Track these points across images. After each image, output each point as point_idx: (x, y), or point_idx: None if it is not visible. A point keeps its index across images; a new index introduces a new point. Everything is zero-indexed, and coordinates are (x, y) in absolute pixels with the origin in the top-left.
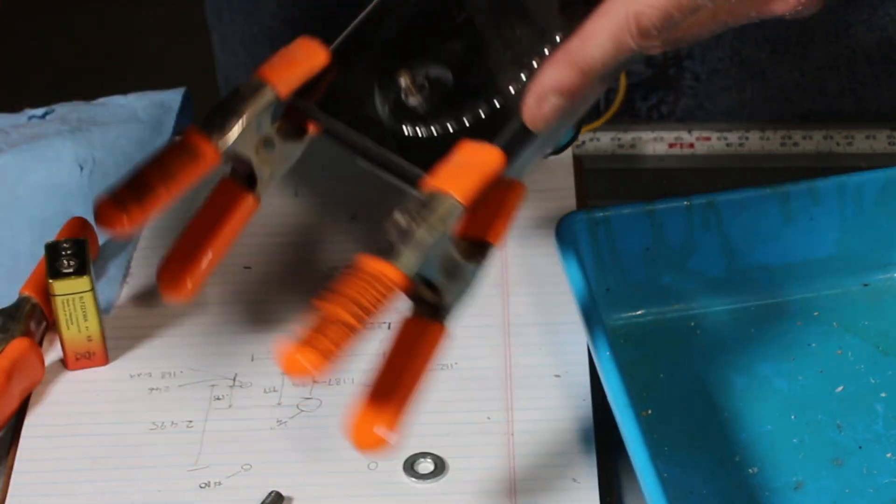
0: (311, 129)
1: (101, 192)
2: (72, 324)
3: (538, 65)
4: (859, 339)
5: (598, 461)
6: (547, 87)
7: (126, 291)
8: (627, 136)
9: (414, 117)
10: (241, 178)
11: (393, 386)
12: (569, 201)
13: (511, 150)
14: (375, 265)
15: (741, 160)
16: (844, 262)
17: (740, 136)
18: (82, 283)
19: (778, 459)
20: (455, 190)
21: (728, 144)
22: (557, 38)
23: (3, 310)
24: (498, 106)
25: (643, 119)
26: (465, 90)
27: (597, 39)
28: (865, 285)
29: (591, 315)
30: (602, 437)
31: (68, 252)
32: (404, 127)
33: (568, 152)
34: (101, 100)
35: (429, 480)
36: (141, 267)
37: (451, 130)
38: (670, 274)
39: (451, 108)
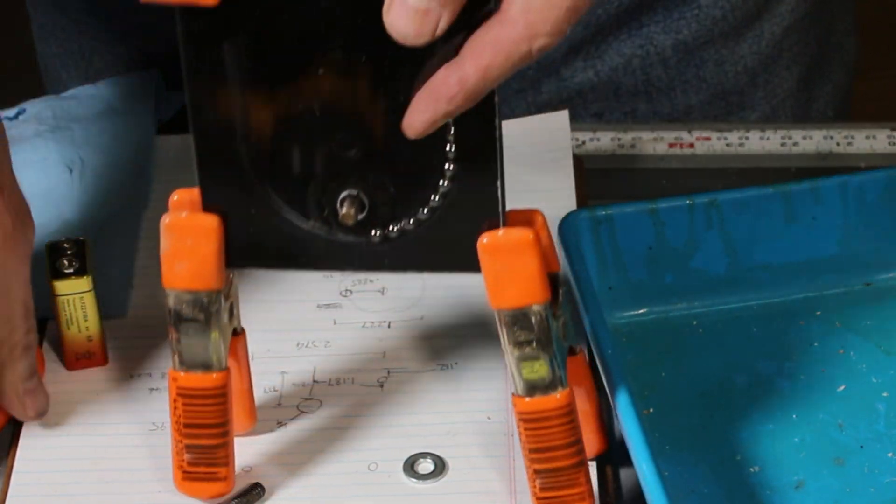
0: None
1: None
2: (72, 324)
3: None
4: (861, 339)
5: (597, 461)
6: (440, 112)
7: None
8: (627, 136)
9: (373, 224)
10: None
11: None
12: (569, 201)
13: (503, 206)
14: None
15: (741, 160)
16: (847, 261)
17: (740, 136)
18: (83, 283)
19: (779, 458)
20: (530, 298)
21: (728, 144)
22: None
23: None
24: (450, 173)
25: None
26: (401, 171)
27: (496, 74)
28: (868, 285)
29: (594, 314)
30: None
31: (69, 252)
32: (373, 233)
33: (568, 152)
34: (70, 92)
35: (429, 480)
36: (142, 267)
37: (425, 215)
38: (672, 273)
39: (405, 197)
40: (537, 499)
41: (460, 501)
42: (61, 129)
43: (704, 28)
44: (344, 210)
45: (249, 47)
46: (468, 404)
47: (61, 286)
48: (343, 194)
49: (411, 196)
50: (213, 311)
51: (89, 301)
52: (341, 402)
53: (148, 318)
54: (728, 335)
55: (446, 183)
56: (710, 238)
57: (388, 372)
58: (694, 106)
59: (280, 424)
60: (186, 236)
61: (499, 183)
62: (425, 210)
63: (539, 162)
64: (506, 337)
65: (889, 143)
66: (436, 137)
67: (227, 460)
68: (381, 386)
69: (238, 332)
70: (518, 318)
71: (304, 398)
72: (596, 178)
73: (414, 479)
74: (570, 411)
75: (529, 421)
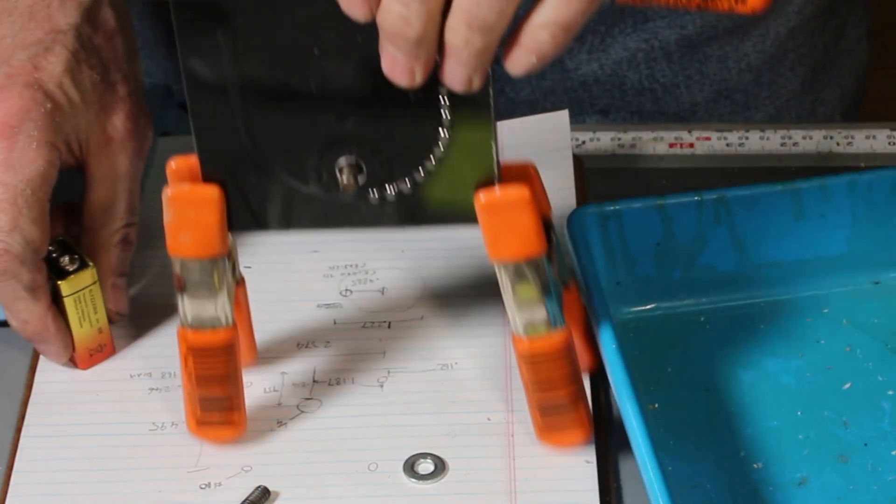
0: None
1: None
2: (84, 320)
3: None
4: (868, 337)
5: (598, 461)
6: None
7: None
8: (627, 136)
9: (371, 186)
10: None
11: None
12: (569, 201)
13: (499, 165)
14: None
15: (741, 160)
16: (855, 259)
17: (740, 136)
18: (87, 276)
19: (783, 455)
20: (528, 251)
21: (728, 144)
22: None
23: None
24: (445, 136)
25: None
26: (398, 137)
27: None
28: (876, 283)
29: (601, 309)
30: (603, 436)
31: (59, 253)
32: (371, 194)
33: (568, 152)
34: None
35: (429, 481)
36: (141, 267)
37: (422, 175)
38: (680, 269)
39: (402, 161)
40: (539, 427)
41: (460, 501)
42: None
43: (709, 24)
44: (344, 179)
45: (245, 19)
46: (468, 404)
47: (69, 285)
48: (341, 161)
49: (408, 159)
50: (218, 273)
51: (96, 293)
52: (341, 402)
53: (148, 318)
54: (735, 331)
55: (442, 145)
56: (718, 234)
57: (388, 372)
58: (699, 104)
59: (280, 424)
60: (189, 208)
61: (493, 143)
62: (422, 170)
63: (539, 162)
64: (506, 286)
65: (889, 143)
66: (430, 104)
67: (239, 405)
68: (381, 386)
69: (239, 282)
70: (517, 270)
71: (304, 398)
72: (596, 178)
73: (414, 480)
74: (567, 348)
75: (529, 361)
